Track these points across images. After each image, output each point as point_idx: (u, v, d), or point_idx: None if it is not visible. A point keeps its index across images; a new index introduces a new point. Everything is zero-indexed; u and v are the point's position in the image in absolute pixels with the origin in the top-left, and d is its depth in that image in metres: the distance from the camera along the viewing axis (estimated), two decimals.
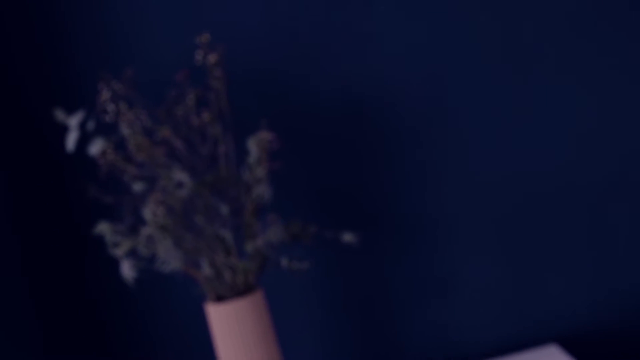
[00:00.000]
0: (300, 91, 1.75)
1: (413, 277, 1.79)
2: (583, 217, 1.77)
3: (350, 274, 1.80)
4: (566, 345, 1.78)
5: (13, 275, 1.74)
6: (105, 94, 1.57)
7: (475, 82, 1.73)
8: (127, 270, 1.51)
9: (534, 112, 1.74)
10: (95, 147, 1.54)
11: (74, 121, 1.54)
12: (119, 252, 1.50)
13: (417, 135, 1.75)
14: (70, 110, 1.77)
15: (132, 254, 1.75)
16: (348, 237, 1.62)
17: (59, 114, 1.56)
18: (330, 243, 1.76)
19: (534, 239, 1.77)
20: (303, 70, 1.75)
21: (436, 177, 1.77)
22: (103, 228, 1.54)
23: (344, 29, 1.73)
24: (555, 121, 1.74)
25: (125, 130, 1.56)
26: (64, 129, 1.78)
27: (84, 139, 1.77)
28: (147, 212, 1.51)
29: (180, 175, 1.51)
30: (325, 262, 1.79)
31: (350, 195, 1.78)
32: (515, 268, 1.78)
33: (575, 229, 1.77)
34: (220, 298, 1.59)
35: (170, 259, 1.50)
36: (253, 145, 1.56)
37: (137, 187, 1.59)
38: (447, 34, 1.72)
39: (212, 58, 1.57)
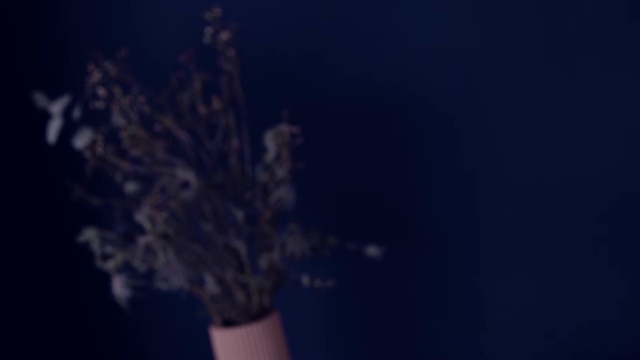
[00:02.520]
0: (321, 80, 1.74)
1: (444, 297, 1.78)
2: (635, 229, 1.74)
3: (374, 292, 1.78)
4: None
5: None
6: (95, 76, 1.54)
7: (515, 77, 1.72)
8: (120, 288, 1.48)
9: (580, 112, 1.72)
10: (82, 139, 1.52)
11: (57, 107, 1.53)
12: (110, 265, 1.48)
13: (452, 137, 1.74)
14: (52, 95, 1.70)
15: (125, 267, 1.68)
16: (372, 250, 1.60)
17: (40, 99, 1.54)
18: (352, 257, 1.72)
19: (581, 255, 1.75)
20: (325, 56, 1.74)
21: (471, 184, 1.75)
22: (90, 235, 1.51)
23: (373, 11, 1.72)
24: (602, 122, 1.72)
25: (118, 119, 1.54)
26: (44, 117, 1.73)
27: (69, 129, 1.67)
28: (143, 218, 1.51)
29: (185, 173, 1.48)
30: (346, 279, 1.77)
31: (376, 203, 1.76)
32: (560, 289, 1.76)
33: (626, 243, 1.74)
34: (228, 322, 1.58)
35: (172, 275, 1.48)
36: (270, 141, 1.54)
37: (130, 187, 1.57)
38: (485, 23, 1.71)
39: (224, 36, 1.55)
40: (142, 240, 1.47)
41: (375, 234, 1.75)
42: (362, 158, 1.75)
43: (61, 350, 1.87)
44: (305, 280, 1.59)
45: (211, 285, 1.53)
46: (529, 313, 1.76)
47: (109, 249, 1.50)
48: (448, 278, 1.77)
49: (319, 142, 1.74)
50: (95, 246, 1.51)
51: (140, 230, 1.69)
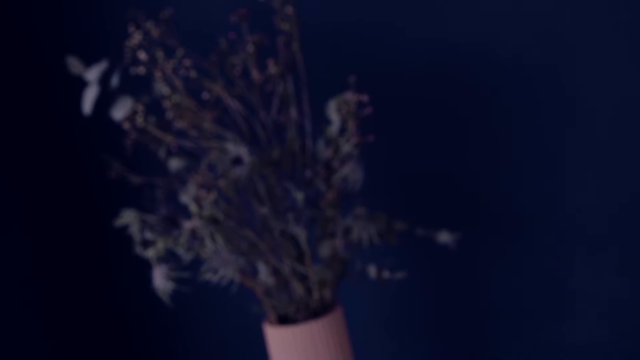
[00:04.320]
0: (389, 44, 1.72)
1: (524, 289, 1.76)
2: None
3: (445, 284, 1.78)
4: None
5: (19, 276, 1.81)
6: (135, 39, 1.52)
7: (605, 47, 1.67)
8: (161, 280, 1.45)
9: None
10: (121, 110, 1.52)
11: (93, 74, 1.51)
12: (150, 254, 1.45)
13: (535, 109, 1.71)
14: (88, 60, 1.66)
15: (168, 256, 1.69)
16: (444, 237, 1.57)
17: (74, 65, 1.53)
18: (422, 244, 1.67)
19: None
20: (394, 17, 1.72)
21: (556, 163, 1.71)
22: (129, 218, 1.49)
23: None
24: None
25: (161, 87, 1.53)
26: (80, 85, 1.67)
27: (106, 99, 1.65)
28: (189, 199, 1.47)
29: (237, 148, 1.45)
30: (414, 269, 1.73)
31: (448, 184, 1.75)
32: None
33: None
34: (284, 318, 1.57)
35: (221, 266, 1.44)
36: (334, 111, 1.51)
37: (174, 164, 1.55)
38: None
39: None
40: (187, 225, 1.45)
41: (447, 219, 1.70)
42: (433, 132, 1.73)
43: (95, 349, 1.93)
44: (372, 271, 1.54)
45: (265, 277, 1.52)
46: (618, 307, 1.74)
47: (149, 234, 1.48)
48: (529, 268, 1.75)
49: (384, 115, 1.68)
50: (135, 231, 1.49)
51: (186, 213, 1.68)
